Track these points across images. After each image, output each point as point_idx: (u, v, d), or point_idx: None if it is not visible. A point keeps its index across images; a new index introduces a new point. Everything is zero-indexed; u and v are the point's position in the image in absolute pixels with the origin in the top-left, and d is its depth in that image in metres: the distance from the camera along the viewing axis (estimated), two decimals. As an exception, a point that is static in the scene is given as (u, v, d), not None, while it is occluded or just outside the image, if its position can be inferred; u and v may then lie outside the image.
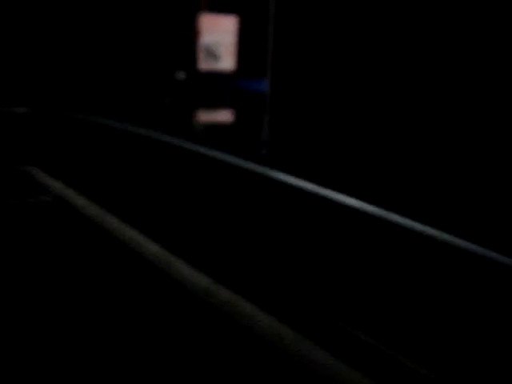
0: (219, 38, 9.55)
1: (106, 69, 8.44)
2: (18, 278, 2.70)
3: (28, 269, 2.76)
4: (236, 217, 2.55)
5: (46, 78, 7.43)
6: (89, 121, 3.45)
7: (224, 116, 6.77)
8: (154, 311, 2.35)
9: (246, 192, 2.46)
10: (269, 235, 2.40)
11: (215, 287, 2.37)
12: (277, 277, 2.47)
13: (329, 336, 2.16)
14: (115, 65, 8.57)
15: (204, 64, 9.54)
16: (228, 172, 2.45)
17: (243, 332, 2.21)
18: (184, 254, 2.69)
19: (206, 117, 6.14)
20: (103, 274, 2.72)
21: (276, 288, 2.39)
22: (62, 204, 3.29)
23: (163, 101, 9.09)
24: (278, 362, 2.14)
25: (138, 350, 2.13)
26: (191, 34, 9.46)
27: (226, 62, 9.79)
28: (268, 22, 6.19)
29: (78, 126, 3.56)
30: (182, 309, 2.36)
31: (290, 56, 5.69)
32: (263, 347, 2.18)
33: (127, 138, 3.09)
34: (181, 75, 9.65)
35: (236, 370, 2.04)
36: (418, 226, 1.98)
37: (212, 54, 9.65)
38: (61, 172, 3.61)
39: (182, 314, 2.33)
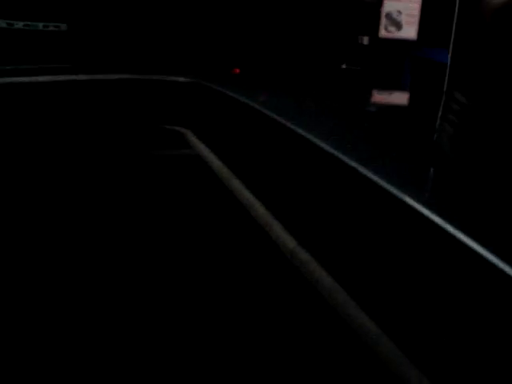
0: (402, 5, 9.46)
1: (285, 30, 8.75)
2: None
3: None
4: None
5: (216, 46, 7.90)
6: (231, 97, 3.90)
7: (399, 99, 6.50)
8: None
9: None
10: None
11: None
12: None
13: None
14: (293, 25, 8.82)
15: (385, 32, 9.51)
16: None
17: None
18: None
19: (380, 98, 6.03)
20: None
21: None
22: (198, 159, 3.86)
23: (339, 66, 9.25)
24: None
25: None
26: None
27: (408, 30, 9.66)
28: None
29: (226, 100, 4.02)
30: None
31: (475, 27, 5.46)
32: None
33: (264, 122, 3.45)
34: (364, 40, 9.69)
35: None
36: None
37: (394, 22, 9.58)
38: (207, 136, 4.14)
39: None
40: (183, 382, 2.16)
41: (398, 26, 9.31)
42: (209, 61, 7.80)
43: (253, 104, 3.51)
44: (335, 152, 2.69)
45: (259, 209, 3.26)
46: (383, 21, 9.20)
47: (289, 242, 2.97)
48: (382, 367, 2.33)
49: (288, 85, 5.26)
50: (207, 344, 2.45)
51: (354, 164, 2.58)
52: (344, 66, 9.45)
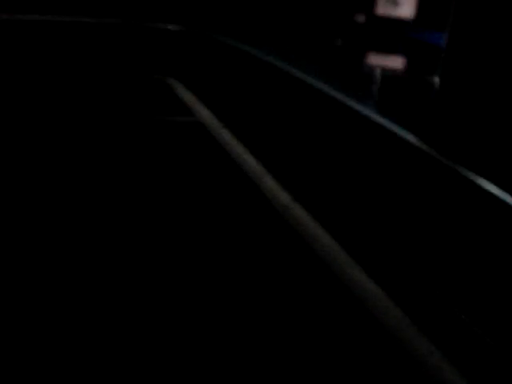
0: (401, -17, 9.31)
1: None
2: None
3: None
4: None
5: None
6: (233, 46, 3.62)
7: (394, 62, 6.49)
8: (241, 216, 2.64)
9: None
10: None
11: (293, 205, 2.54)
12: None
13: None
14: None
15: (382, 9, 9.33)
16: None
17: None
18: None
19: (376, 61, 5.94)
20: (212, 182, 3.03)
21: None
22: (183, 105, 3.62)
23: (334, 42, 9.04)
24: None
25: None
26: (374, -24, 9.28)
27: (406, 8, 9.49)
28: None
29: (222, 49, 3.75)
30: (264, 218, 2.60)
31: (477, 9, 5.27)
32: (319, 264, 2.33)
33: (265, 69, 3.20)
34: (360, 18, 9.51)
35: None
36: None
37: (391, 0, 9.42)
38: (195, 85, 3.89)
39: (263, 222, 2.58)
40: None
41: (396, 3, 9.12)
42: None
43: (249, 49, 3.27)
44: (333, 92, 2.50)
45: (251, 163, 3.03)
46: (381, -2, 9.00)
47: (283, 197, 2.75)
48: (387, 335, 2.12)
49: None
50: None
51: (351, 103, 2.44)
52: (339, 42, 9.27)
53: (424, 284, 2.23)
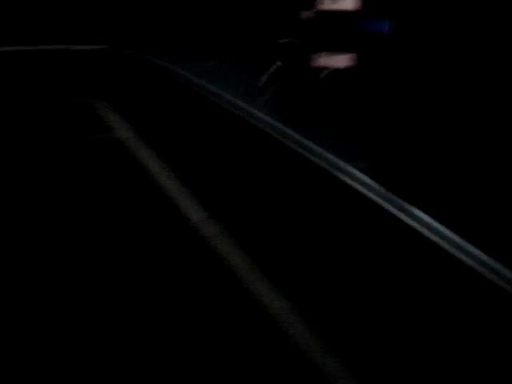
0: (341, -25, 9.27)
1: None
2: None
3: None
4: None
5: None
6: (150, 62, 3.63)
7: (342, 61, 6.54)
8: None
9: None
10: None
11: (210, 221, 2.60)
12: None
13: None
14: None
15: (325, 4, 9.31)
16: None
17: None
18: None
19: (323, 61, 5.95)
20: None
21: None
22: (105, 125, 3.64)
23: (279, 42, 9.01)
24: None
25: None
26: (314, -28, 9.21)
27: (348, 1, 9.46)
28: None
29: (139, 63, 3.76)
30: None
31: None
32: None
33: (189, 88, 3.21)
34: (305, 15, 9.47)
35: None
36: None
37: (333, -7, 9.38)
38: (121, 106, 3.88)
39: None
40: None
41: (335, -2, 9.09)
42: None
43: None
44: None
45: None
46: (321, -7, 8.97)
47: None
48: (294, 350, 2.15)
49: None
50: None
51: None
52: (283, 41, 9.22)
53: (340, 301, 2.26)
